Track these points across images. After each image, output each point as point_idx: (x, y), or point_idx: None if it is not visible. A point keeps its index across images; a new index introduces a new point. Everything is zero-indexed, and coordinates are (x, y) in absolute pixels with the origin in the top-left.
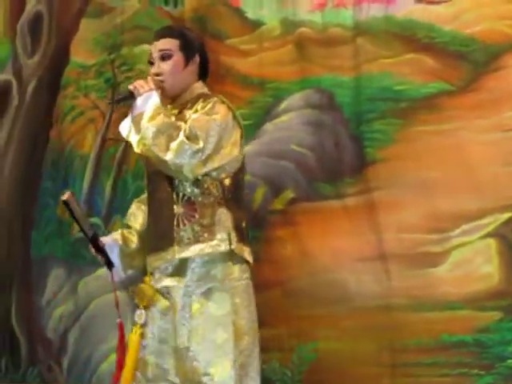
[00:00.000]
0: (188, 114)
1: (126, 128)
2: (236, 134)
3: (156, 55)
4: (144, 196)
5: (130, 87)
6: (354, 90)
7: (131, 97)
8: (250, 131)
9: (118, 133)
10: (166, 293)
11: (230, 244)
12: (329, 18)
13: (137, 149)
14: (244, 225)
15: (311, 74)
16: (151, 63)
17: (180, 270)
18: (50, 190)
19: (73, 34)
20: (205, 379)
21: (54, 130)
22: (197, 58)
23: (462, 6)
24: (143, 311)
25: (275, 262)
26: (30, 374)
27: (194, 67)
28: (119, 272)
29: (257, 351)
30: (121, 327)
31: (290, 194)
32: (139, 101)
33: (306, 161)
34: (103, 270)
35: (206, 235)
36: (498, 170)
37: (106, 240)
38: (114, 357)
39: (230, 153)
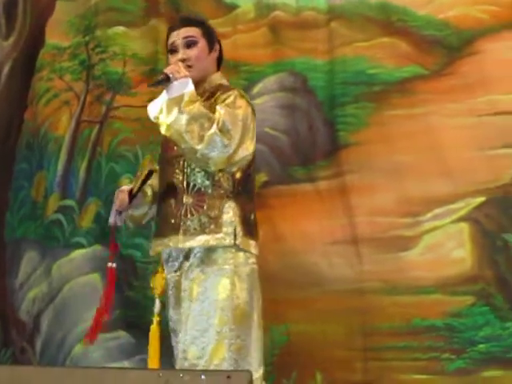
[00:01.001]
0: (207, 105)
1: (155, 109)
2: (253, 129)
3: (180, 42)
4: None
5: (167, 71)
6: (327, 73)
7: (167, 80)
8: None
9: (93, 115)
10: (171, 281)
11: (235, 238)
12: (303, 1)
13: (166, 131)
14: (252, 218)
15: (285, 57)
16: (172, 51)
17: (181, 256)
18: (25, 171)
19: (48, 16)
20: (201, 362)
21: (29, 111)
22: (217, 46)
23: None
24: (158, 300)
25: None
26: (2, 355)
27: (215, 55)
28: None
29: (257, 335)
30: (111, 273)
31: (263, 177)
32: (175, 85)
33: (280, 144)
34: (77, 252)
35: (212, 227)
36: (470, 154)
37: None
38: None
39: (248, 148)
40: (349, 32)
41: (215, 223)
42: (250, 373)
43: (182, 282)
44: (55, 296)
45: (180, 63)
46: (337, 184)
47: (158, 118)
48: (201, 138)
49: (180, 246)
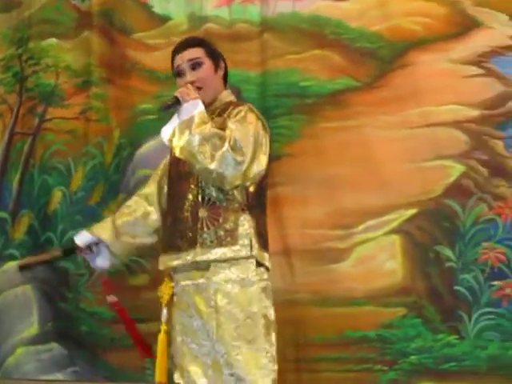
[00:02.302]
0: (219, 120)
1: (168, 132)
2: (266, 144)
3: (185, 66)
4: (144, 191)
5: (177, 94)
6: (260, 85)
7: (178, 103)
8: (155, 126)
9: (26, 127)
10: (188, 291)
11: (251, 250)
12: (236, 13)
13: (179, 154)
14: (265, 231)
15: None
16: (180, 74)
17: (200, 267)
18: None
19: None
20: (239, 372)
21: None
22: (222, 64)
23: (369, 3)
24: (165, 309)
25: None
26: None
27: (221, 73)
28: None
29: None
30: (116, 304)
31: None
32: (186, 107)
33: None
34: (10, 264)
35: (228, 239)
36: (403, 166)
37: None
38: (20, 350)
39: (262, 163)
40: (281, 44)
41: (231, 236)
42: None
43: (196, 294)
44: None
45: (190, 85)
46: (269, 195)
47: (171, 140)
48: (213, 158)
49: (198, 258)
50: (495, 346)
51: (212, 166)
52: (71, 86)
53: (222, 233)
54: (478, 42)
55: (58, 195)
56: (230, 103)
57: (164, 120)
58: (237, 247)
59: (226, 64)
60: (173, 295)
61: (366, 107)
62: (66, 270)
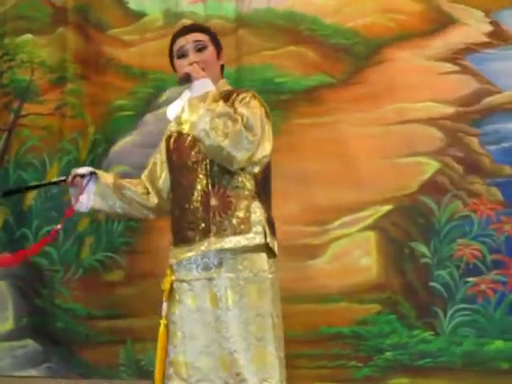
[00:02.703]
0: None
1: (175, 109)
2: (269, 130)
3: (190, 46)
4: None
5: (187, 70)
6: (235, 81)
7: (189, 80)
8: (130, 122)
9: (1, 123)
10: (195, 286)
11: (266, 237)
12: (211, 9)
13: (190, 129)
14: (273, 218)
15: None
16: (182, 55)
17: (212, 262)
18: None
19: None
20: (245, 372)
21: None
22: (223, 54)
23: (344, 0)
24: (165, 303)
25: (153, 252)
26: None
27: (221, 61)
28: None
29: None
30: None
31: None
32: (197, 85)
33: None
34: None
35: (242, 227)
36: (378, 162)
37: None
38: None
39: (266, 149)
40: (256, 40)
41: (244, 223)
42: None
43: (208, 287)
44: None
45: (196, 65)
46: None
47: (179, 117)
48: (226, 135)
49: (213, 248)
50: (470, 342)
51: (224, 143)
52: (46, 81)
53: (234, 221)
54: (453, 39)
55: (32, 191)
56: (232, 91)
57: (138, 116)
58: (251, 235)
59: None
60: (173, 289)
61: (341, 104)
62: (41, 266)
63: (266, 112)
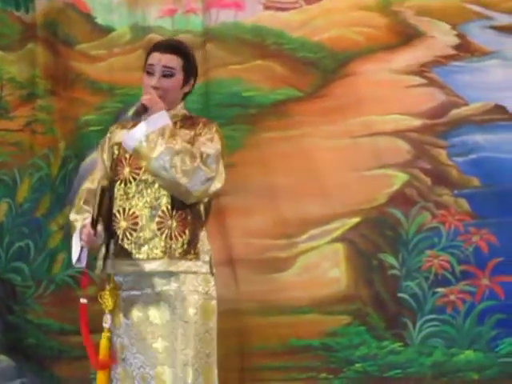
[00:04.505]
0: (189, 133)
1: (133, 141)
2: (222, 163)
3: (158, 69)
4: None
5: (144, 102)
6: (202, 95)
7: (145, 111)
8: (99, 137)
9: None
10: (146, 299)
11: (211, 267)
12: (178, 23)
13: (148, 165)
14: None
15: None
16: (148, 73)
17: (167, 276)
18: None
19: None
20: None
21: None
22: (192, 81)
23: (311, 13)
24: (109, 315)
25: None
26: None
27: (187, 89)
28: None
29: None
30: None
31: None
32: (154, 118)
33: None
34: None
35: (192, 254)
36: (345, 175)
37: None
38: None
39: (220, 181)
40: (224, 54)
41: (194, 250)
42: None
43: (157, 301)
44: None
45: (153, 91)
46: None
47: (137, 150)
48: (184, 172)
49: (169, 268)
50: (440, 352)
51: (182, 181)
52: (16, 98)
53: (186, 246)
54: (419, 52)
55: (3, 207)
56: (196, 119)
57: (106, 131)
58: (199, 263)
59: (195, 81)
60: (117, 302)
61: (309, 117)
62: (13, 283)
63: (223, 145)
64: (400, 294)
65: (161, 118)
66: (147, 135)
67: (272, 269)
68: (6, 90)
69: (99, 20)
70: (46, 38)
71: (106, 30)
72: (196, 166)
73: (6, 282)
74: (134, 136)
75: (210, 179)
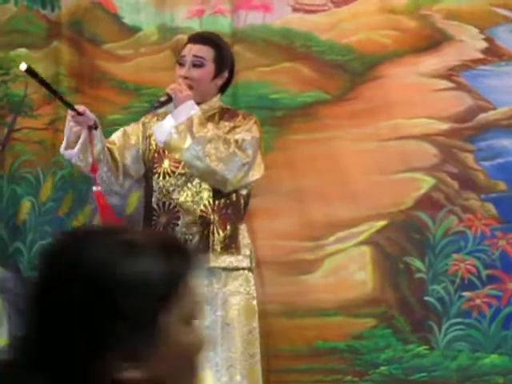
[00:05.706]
0: (228, 125)
1: (163, 135)
2: (260, 157)
3: (188, 59)
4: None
5: (168, 91)
6: (231, 97)
7: (169, 101)
8: None
9: None
10: None
11: (251, 261)
12: (207, 24)
13: (180, 157)
14: None
15: None
16: (180, 64)
17: (210, 275)
18: None
19: None
20: None
21: None
22: (225, 74)
23: (339, 16)
24: None
25: None
26: None
27: (219, 82)
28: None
29: None
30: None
31: None
32: (180, 109)
33: None
34: None
35: (233, 248)
36: (373, 178)
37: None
38: None
39: (258, 173)
40: (252, 56)
41: (235, 244)
42: None
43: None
44: None
45: (181, 81)
46: None
47: (167, 143)
48: (219, 160)
49: (212, 264)
50: (465, 356)
51: (218, 168)
52: (40, 96)
53: (228, 241)
54: (447, 56)
55: (26, 205)
56: (235, 112)
57: None
58: (240, 257)
59: (232, 74)
60: None
61: (336, 120)
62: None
63: (261, 137)
64: (426, 298)
65: (187, 108)
66: (176, 126)
67: (298, 271)
68: (30, 88)
69: (126, 20)
70: (71, 36)
71: (133, 30)
72: (231, 151)
73: (29, 280)
74: (163, 129)
75: (246, 164)
